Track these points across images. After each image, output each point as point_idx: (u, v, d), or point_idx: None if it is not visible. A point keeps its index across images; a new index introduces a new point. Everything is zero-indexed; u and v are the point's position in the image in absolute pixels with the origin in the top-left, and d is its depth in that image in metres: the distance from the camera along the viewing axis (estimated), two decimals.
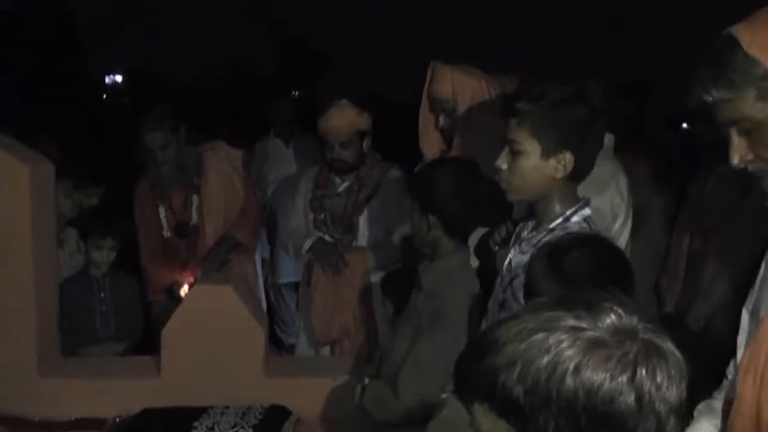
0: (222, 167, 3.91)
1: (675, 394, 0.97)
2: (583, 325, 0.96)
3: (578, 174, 2.00)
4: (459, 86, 3.05)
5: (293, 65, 29.80)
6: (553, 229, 1.98)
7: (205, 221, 3.87)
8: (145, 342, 3.65)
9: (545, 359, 0.94)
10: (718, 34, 1.48)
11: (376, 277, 3.57)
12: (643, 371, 0.94)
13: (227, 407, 2.74)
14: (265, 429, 2.60)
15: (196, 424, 2.60)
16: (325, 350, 3.72)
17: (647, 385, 0.94)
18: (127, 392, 2.98)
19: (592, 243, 1.86)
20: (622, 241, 2.63)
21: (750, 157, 1.49)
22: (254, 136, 6.17)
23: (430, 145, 3.20)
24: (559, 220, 1.99)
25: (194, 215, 3.86)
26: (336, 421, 2.89)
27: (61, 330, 3.22)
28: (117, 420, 2.81)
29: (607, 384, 0.93)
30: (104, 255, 3.56)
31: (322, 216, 3.73)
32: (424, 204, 2.43)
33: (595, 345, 0.94)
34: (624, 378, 0.93)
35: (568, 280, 1.74)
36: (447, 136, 3.13)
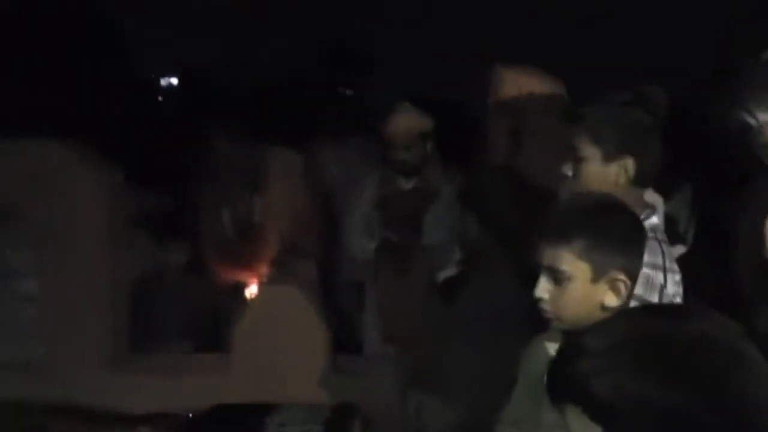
0: (284, 171, 3.97)
1: (764, 401, 0.97)
2: (674, 332, 0.98)
3: (642, 180, 1.99)
4: (526, 89, 3.05)
5: (337, 65, 29.97)
6: None
7: (268, 223, 3.93)
8: (213, 341, 3.72)
9: (637, 362, 0.96)
10: (759, 58, 1.47)
11: (441, 277, 3.58)
12: (732, 378, 0.95)
13: (297, 405, 2.78)
14: (334, 426, 2.64)
15: (267, 420, 2.65)
16: (391, 350, 3.74)
17: (736, 390, 0.95)
18: (196, 389, 3.06)
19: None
20: (687, 243, 2.62)
21: None
22: (307, 137, 6.23)
23: (498, 148, 3.20)
24: None
25: (257, 217, 3.93)
26: (401, 419, 2.92)
27: (134, 330, 3.31)
28: (190, 415, 2.87)
29: (699, 388, 0.94)
30: (180, 258, 3.64)
31: (388, 215, 3.76)
32: (480, 215, 2.44)
33: (686, 352, 0.96)
34: (716, 381, 0.94)
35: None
36: (514, 140, 3.13)
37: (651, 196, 2.58)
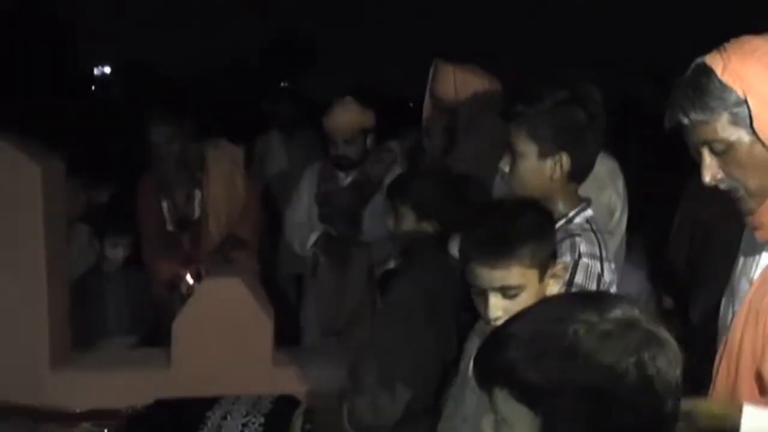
0: (224, 164, 3.97)
1: (673, 378, 1.09)
2: (594, 318, 1.08)
3: (577, 175, 2.07)
4: (462, 86, 3.12)
5: (280, 56, 29.82)
6: (556, 231, 2.02)
7: (208, 215, 3.93)
8: (153, 335, 3.73)
9: (561, 347, 1.06)
10: (693, 62, 1.62)
11: (379, 271, 3.63)
12: (645, 356, 1.06)
13: (238, 397, 2.81)
14: (276, 417, 2.68)
15: (209, 413, 2.68)
16: (330, 341, 3.80)
17: (649, 368, 1.06)
18: (138, 384, 3.05)
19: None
20: (619, 234, 2.72)
21: (720, 176, 1.64)
22: (250, 130, 6.22)
23: (436, 140, 3.28)
24: (562, 221, 2.05)
25: (197, 210, 3.92)
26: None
27: (74, 325, 3.29)
28: (130, 410, 2.88)
29: (615, 367, 1.05)
30: (120, 252, 3.63)
31: (328, 210, 3.81)
32: (420, 210, 2.50)
33: (605, 335, 1.07)
34: (630, 361, 1.05)
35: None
36: (449, 135, 3.21)
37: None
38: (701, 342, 1.95)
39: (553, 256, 1.85)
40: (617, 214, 2.72)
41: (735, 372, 1.69)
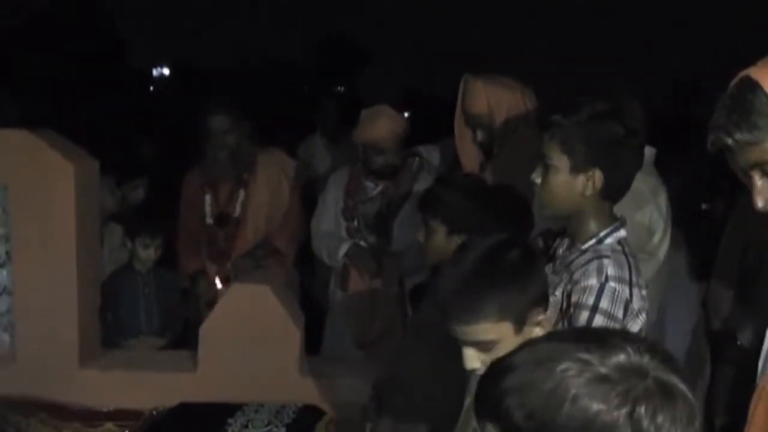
0: (274, 170, 3.97)
1: None
2: (592, 359, 0.97)
3: (611, 193, 1.96)
4: (494, 100, 3.02)
5: (334, 60, 29.98)
6: (585, 250, 1.95)
7: (248, 217, 3.92)
8: (183, 337, 3.72)
9: (548, 386, 0.96)
10: (736, 78, 1.47)
11: (410, 282, 3.60)
12: (642, 409, 0.94)
13: (262, 405, 2.78)
14: (298, 428, 2.63)
15: (230, 420, 2.65)
16: (359, 354, 3.74)
17: (645, 423, 0.94)
18: (164, 385, 3.05)
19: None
20: (660, 255, 2.61)
21: None
22: (299, 132, 6.21)
23: (469, 157, 3.20)
24: (592, 241, 1.95)
25: (238, 209, 3.91)
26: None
27: (104, 324, 3.30)
28: (154, 412, 2.87)
29: (603, 416, 0.94)
30: (151, 253, 3.63)
31: (356, 223, 3.75)
32: (452, 226, 2.42)
33: (599, 379, 0.96)
34: (622, 412, 0.94)
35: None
36: (485, 150, 3.13)
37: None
38: (753, 366, 1.84)
39: (536, 303, 1.68)
40: (658, 235, 2.62)
41: None
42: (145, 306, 3.66)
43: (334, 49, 28.93)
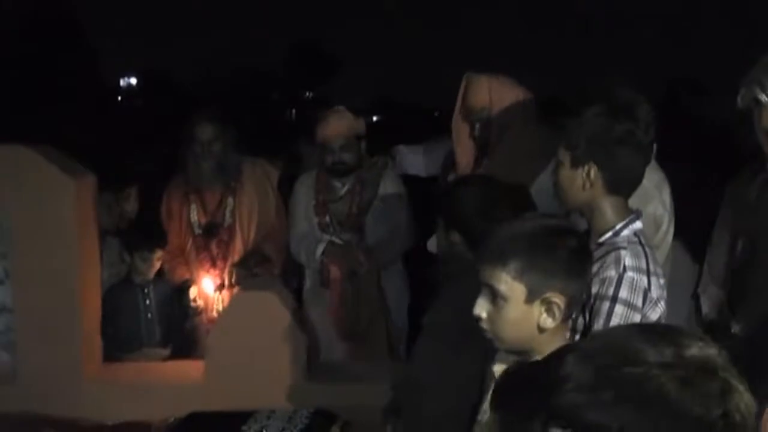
0: (260, 180, 4.00)
1: (752, 426, 0.98)
2: (669, 360, 0.97)
3: (615, 187, 2.02)
4: (496, 95, 3.10)
5: (305, 67, 29.99)
6: (602, 243, 1.99)
7: (237, 225, 3.92)
8: (186, 347, 3.72)
9: (640, 396, 0.95)
10: None
11: (386, 274, 3.82)
12: (730, 405, 0.95)
13: (273, 411, 2.78)
14: None
15: (244, 427, 2.65)
16: (342, 348, 3.85)
17: (737, 417, 0.95)
18: (171, 397, 3.04)
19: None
20: (664, 248, 2.65)
21: None
22: (276, 139, 6.22)
23: (465, 154, 3.25)
24: (609, 234, 2.00)
25: (227, 218, 3.92)
26: (377, 426, 2.93)
27: (105, 338, 3.29)
28: (164, 424, 2.86)
29: (704, 419, 0.94)
30: (151, 266, 3.63)
31: (327, 219, 3.86)
32: (447, 221, 2.46)
33: (686, 383, 0.95)
34: (717, 413, 0.94)
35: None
36: (481, 145, 3.18)
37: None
38: (747, 355, 1.87)
39: (560, 290, 1.67)
40: (664, 227, 2.66)
41: None
42: (146, 318, 3.66)
43: (306, 57, 28.94)
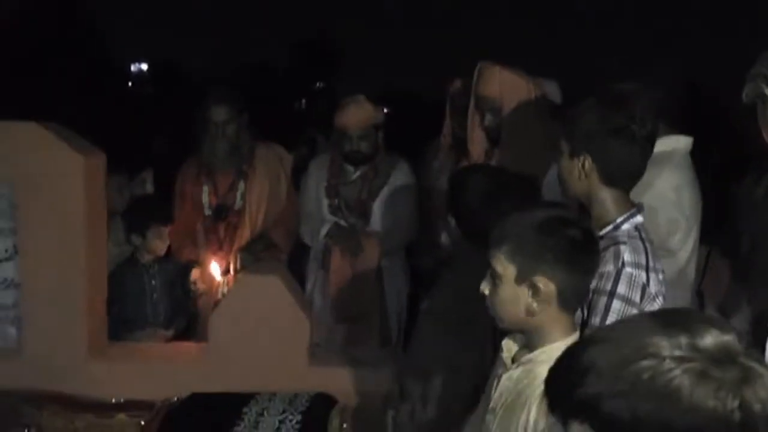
0: (273, 164, 4.00)
1: None
2: (685, 353, 0.97)
3: (612, 180, 2.02)
4: (506, 86, 3.11)
5: (310, 60, 30.00)
6: (602, 237, 1.99)
7: (248, 209, 3.93)
8: (190, 329, 3.73)
9: (654, 391, 0.96)
10: None
11: (386, 262, 3.88)
12: (748, 394, 0.95)
13: (274, 394, 2.80)
14: (312, 416, 2.66)
15: (245, 409, 2.67)
16: (340, 329, 3.92)
17: (755, 406, 0.95)
18: (173, 377, 3.06)
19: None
20: (684, 254, 2.64)
21: None
22: (285, 129, 6.24)
23: (476, 143, 3.27)
24: (609, 227, 2.00)
25: (238, 200, 3.93)
26: (377, 410, 2.95)
27: (110, 317, 3.30)
28: (166, 403, 2.88)
29: (719, 411, 0.94)
30: (166, 240, 3.65)
31: (337, 202, 3.93)
32: (450, 208, 2.49)
33: (701, 376, 0.96)
34: (734, 404, 0.94)
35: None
36: (492, 136, 3.19)
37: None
38: None
39: (541, 273, 1.72)
40: (679, 235, 2.62)
41: None
42: (151, 299, 3.67)
43: (313, 50, 28.98)
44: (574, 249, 1.74)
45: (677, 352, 0.97)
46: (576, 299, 1.82)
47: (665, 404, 0.95)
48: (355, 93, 4.04)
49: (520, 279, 1.73)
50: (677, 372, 0.96)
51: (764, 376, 0.97)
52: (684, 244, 2.65)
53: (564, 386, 1.04)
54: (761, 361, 0.99)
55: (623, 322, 1.20)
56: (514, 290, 1.74)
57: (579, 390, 1.01)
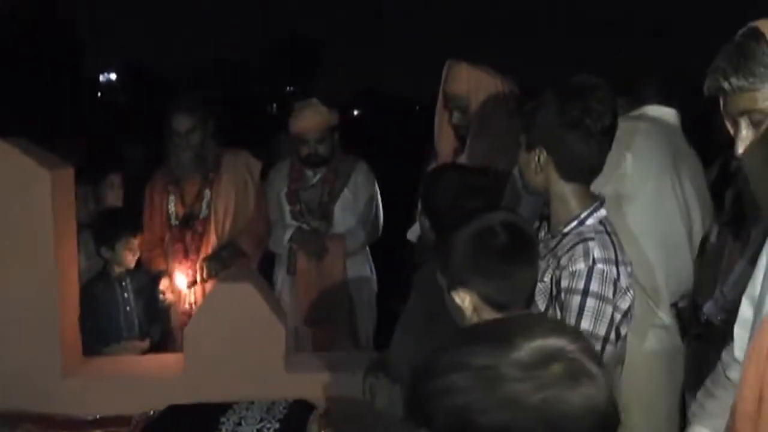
0: (239, 171, 3.98)
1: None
2: (493, 362, 1.01)
3: (569, 174, 2.00)
4: (474, 84, 3.11)
5: (287, 60, 29.91)
6: (566, 234, 1.99)
7: (214, 218, 3.91)
8: (163, 340, 3.71)
9: (457, 400, 1.01)
10: (743, 26, 1.53)
11: (350, 262, 3.95)
12: (550, 398, 0.97)
13: (252, 402, 2.78)
14: (291, 423, 2.64)
15: (223, 419, 2.64)
16: (306, 332, 3.99)
17: (554, 411, 0.97)
18: (150, 390, 3.03)
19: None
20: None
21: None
22: (257, 132, 6.22)
23: (444, 142, 3.27)
24: (574, 223, 2.00)
25: (204, 209, 3.91)
26: (355, 416, 2.95)
27: (84, 331, 3.27)
28: (144, 417, 2.85)
29: (516, 422, 0.98)
30: (135, 252, 3.63)
31: (299, 207, 3.99)
32: (423, 207, 2.50)
33: (498, 381, 0.99)
34: (530, 411, 0.97)
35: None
36: (460, 134, 3.19)
37: None
38: (718, 339, 1.88)
39: (463, 285, 1.80)
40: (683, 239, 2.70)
41: (762, 379, 1.49)
42: (124, 311, 3.64)
43: (287, 50, 28.91)
44: (501, 259, 1.77)
45: (482, 362, 1.01)
46: (508, 297, 1.81)
47: (463, 414, 1.00)
48: (329, 96, 4.09)
49: (449, 291, 1.82)
50: (474, 383, 1.00)
51: (594, 377, 1.00)
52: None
53: (410, 385, 1.10)
54: (592, 363, 1.01)
55: (460, 333, 1.27)
56: (454, 301, 1.81)
57: (415, 390, 1.07)
